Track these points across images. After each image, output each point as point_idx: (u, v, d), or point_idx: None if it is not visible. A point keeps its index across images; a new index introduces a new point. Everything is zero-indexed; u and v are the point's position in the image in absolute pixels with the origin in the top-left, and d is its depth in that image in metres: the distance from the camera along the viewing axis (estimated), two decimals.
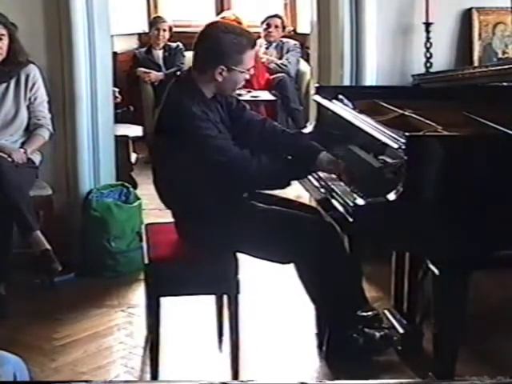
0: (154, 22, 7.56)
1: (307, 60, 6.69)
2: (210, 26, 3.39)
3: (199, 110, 3.20)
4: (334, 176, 3.30)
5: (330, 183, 3.24)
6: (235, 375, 3.25)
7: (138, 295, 4.06)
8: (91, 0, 4.41)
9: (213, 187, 3.21)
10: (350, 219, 2.89)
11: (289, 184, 3.36)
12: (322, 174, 3.39)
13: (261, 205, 3.37)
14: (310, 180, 3.46)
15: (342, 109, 3.61)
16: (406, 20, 4.61)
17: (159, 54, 7.47)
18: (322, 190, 3.31)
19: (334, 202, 3.13)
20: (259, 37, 7.54)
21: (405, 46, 4.63)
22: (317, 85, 4.31)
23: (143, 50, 7.55)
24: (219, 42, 3.26)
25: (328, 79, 4.70)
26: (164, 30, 7.46)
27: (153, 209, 5.22)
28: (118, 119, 5.16)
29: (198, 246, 3.23)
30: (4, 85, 4.26)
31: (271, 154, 3.32)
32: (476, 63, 4.65)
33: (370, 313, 3.56)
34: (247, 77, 3.34)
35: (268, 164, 3.24)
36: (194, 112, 3.18)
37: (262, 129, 3.48)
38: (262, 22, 7.46)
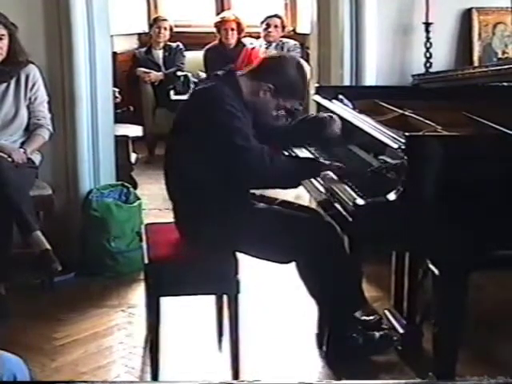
0: (155, 20, 7.58)
1: (307, 60, 6.68)
2: (292, 57, 3.53)
3: (231, 99, 3.22)
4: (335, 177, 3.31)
5: (331, 185, 3.24)
6: (235, 375, 3.24)
7: (138, 295, 4.05)
8: (91, 0, 4.42)
9: (223, 179, 3.20)
10: (350, 219, 2.89)
11: (299, 184, 3.43)
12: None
13: (261, 204, 3.38)
14: (311, 181, 3.46)
15: (342, 109, 3.62)
16: (405, 20, 4.61)
17: (159, 53, 7.48)
18: (323, 191, 3.32)
19: (334, 202, 3.13)
20: (259, 37, 7.55)
21: (405, 46, 4.63)
22: (317, 85, 4.32)
23: (143, 49, 7.56)
24: (289, 71, 3.34)
25: (328, 79, 4.71)
26: (165, 29, 7.47)
27: (153, 209, 5.23)
28: (118, 119, 5.15)
29: (198, 244, 3.24)
30: (4, 85, 4.25)
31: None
32: (476, 63, 4.65)
33: (371, 317, 3.56)
34: (273, 114, 3.40)
35: (282, 162, 3.30)
36: (227, 100, 3.20)
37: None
38: (262, 22, 7.46)
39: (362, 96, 3.81)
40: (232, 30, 7.26)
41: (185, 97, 6.86)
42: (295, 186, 3.51)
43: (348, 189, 3.10)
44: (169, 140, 3.43)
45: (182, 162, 3.29)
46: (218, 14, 7.87)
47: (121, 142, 5.22)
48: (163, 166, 3.40)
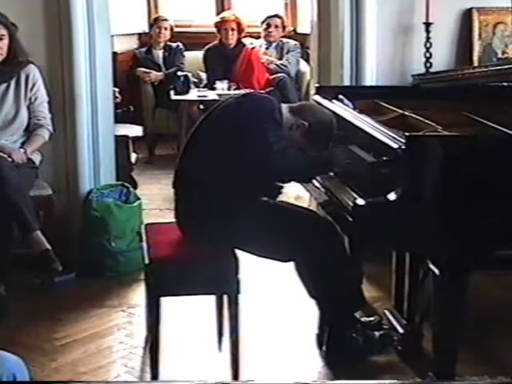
0: (156, 20, 7.58)
1: (307, 60, 6.68)
2: (330, 113, 3.51)
3: (278, 113, 3.33)
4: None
5: (331, 185, 3.24)
6: (235, 375, 3.25)
7: (138, 295, 4.05)
8: (91, 0, 4.42)
9: (229, 178, 3.22)
10: (350, 219, 2.89)
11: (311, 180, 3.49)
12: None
13: (262, 202, 3.38)
14: (311, 181, 3.47)
15: (342, 109, 3.61)
16: (406, 20, 4.61)
17: (159, 53, 7.48)
18: (323, 191, 3.32)
19: (334, 202, 3.13)
20: (259, 37, 7.55)
21: (405, 46, 4.64)
22: (317, 85, 4.32)
23: (143, 49, 7.56)
24: (325, 118, 3.43)
25: (328, 79, 4.70)
26: (165, 29, 7.47)
27: (153, 209, 5.22)
28: (118, 119, 5.15)
29: (199, 243, 3.24)
30: (4, 85, 4.25)
31: None
32: (476, 63, 4.66)
33: (372, 318, 3.57)
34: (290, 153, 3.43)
35: (291, 159, 3.35)
36: (276, 111, 3.33)
37: None
38: (262, 22, 7.46)
39: (362, 96, 3.81)
40: (232, 30, 7.25)
41: (185, 97, 6.90)
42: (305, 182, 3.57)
43: (348, 189, 3.10)
44: (194, 133, 3.41)
45: (200, 156, 3.30)
46: (218, 13, 7.86)
47: (121, 142, 5.22)
48: (178, 158, 3.40)
